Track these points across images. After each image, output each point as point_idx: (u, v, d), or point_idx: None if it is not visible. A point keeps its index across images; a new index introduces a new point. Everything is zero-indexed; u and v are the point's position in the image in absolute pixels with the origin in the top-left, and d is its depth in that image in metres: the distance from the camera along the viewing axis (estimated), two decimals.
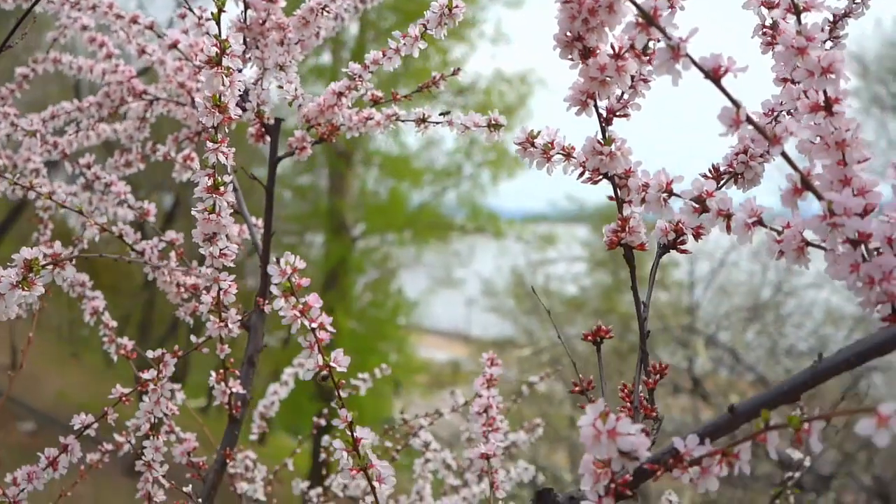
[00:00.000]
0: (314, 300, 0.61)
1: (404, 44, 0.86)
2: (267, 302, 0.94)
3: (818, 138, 0.53)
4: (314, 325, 0.60)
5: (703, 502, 5.98)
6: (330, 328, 0.61)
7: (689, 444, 0.51)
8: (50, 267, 0.65)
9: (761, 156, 0.66)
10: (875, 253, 0.51)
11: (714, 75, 0.49)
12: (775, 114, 0.67)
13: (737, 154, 0.66)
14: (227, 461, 0.96)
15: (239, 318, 0.88)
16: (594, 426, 0.49)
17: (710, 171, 0.67)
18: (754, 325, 6.35)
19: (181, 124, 1.16)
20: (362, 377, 1.37)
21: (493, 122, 0.82)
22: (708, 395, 5.84)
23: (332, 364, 0.61)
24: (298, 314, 0.60)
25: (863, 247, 0.51)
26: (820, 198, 0.50)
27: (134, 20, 1.07)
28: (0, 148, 1.23)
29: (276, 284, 0.59)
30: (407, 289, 11.97)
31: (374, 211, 11.63)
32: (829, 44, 0.70)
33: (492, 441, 0.91)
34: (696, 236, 0.65)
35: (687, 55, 0.49)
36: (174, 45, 1.04)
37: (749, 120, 0.49)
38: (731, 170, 0.67)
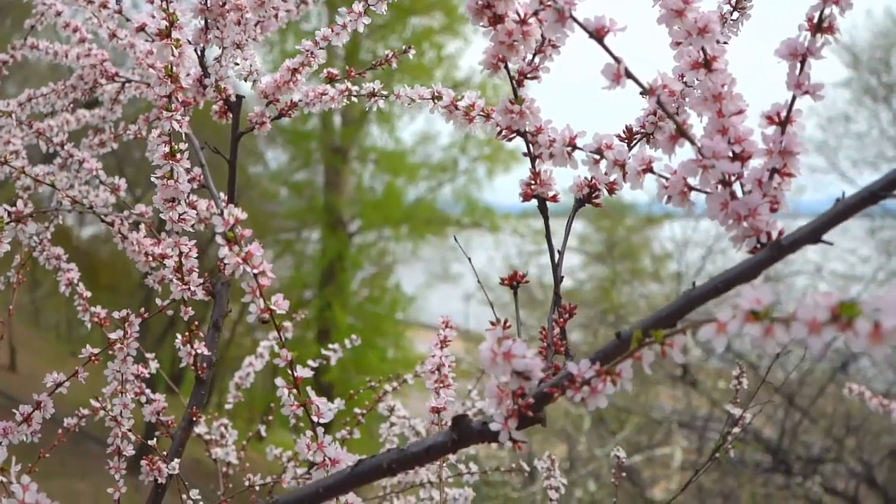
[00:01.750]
0: (256, 248, 0.66)
1: (350, 20, 0.92)
2: None
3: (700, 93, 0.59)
4: (256, 271, 0.66)
5: (692, 486, 6.05)
6: (270, 274, 0.67)
7: (581, 368, 0.56)
8: (13, 224, 0.71)
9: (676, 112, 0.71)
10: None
11: (598, 35, 0.55)
12: (684, 78, 0.73)
13: (647, 115, 0.72)
14: (194, 419, 1.02)
15: (200, 280, 0.94)
16: (492, 350, 0.54)
17: (623, 131, 0.73)
18: None
19: (152, 105, 1.22)
20: (333, 348, 1.43)
21: (436, 94, 0.88)
22: (696, 381, 5.91)
23: (272, 307, 0.67)
24: (241, 261, 0.66)
25: (738, 187, 0.57)
26: (693, 143, 0.56)
27: (103, 5, 1.12)
28: None
29: (219, 234, 0.65)
30: (404, 284, 12.03)
31: (371, 206, 11.70)
32: (735, 14, 0.76)
33: (442, 395, 0.97)
34: (610, 191, 0.71)
35: (571, 17, 0.54)
36: (142, 29, 1.10)
37: (628, 74, 0.55)
38: (643, 130, 0.72)
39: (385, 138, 12.17)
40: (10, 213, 0.69)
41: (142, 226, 1.07)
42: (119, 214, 1.06)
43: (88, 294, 1.14)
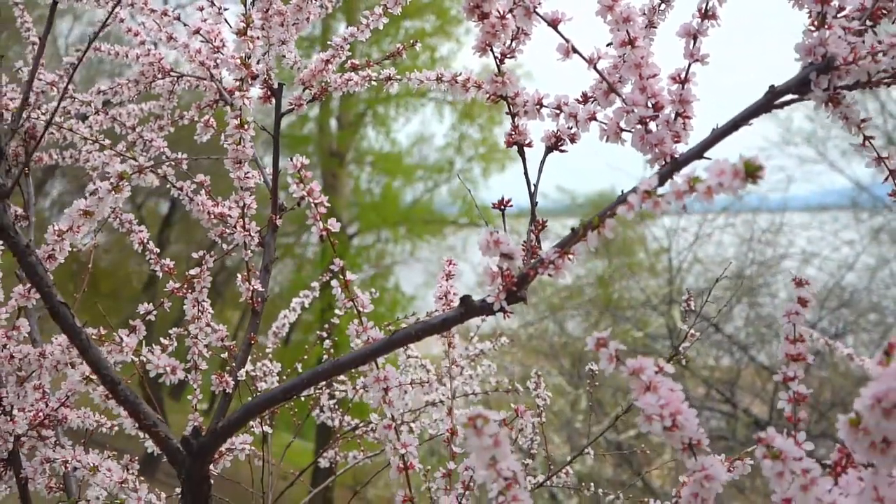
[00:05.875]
0: (316, 186, 0.92)
1: (372, 20, 1.18)
2: (278, 218, 1.25)
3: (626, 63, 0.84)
4: (316, 201, 0.91)
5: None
6: (326, 204, 0.92)
7: (548, 253, 0.82)
8: (136, 174, 0.96)
9: (618, 82, 0.97)
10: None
11: (553, 23, 0.81)
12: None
13: (595, 83, 0.97)
14: (252, 343, 1.27)
15: (258, 228, 1.19)
16: (486, 239, 0.80)
17: (580, 95, 0.98)
18: (731, 292, 6.69)
19: (202, 95, 1.47)
20: None
21: (439, 76, 1.13)
22: (688, 362, 6.17)
23: (329, 227, 0.92)
24: (306, 194, 0.91)
25: (654, 126, 0.83)
26: (619, 96, 0.81)
27: (164, 13, 1.38)
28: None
29: (290, 175, 0.90)
30: (403, 284, 12.26)
31: (368, 208, 11.94)
32: (663, 5, 1.02)
33: None
34: (572, 140, 0.96)
35: (535, 12, 0.80)
36: (197, 31, 1.35)
37: (574, 50, 0.80)
38: (594, 94, 0.98)
39: (381, 141, 12.43)
40: (133, 167, 0.94)
41: (202, 191, 1.32)
42: (184, 182, 1.32)
43: (157, 250, 1.39)
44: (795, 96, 0.75)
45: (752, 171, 0.58)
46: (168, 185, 1.34)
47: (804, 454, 0.62)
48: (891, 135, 9.05)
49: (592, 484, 1.66)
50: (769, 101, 0.75)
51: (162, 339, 1.43)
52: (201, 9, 1.37)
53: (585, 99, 0.97)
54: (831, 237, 7.90)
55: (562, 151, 0.98)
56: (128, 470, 1.03)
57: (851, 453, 0.72)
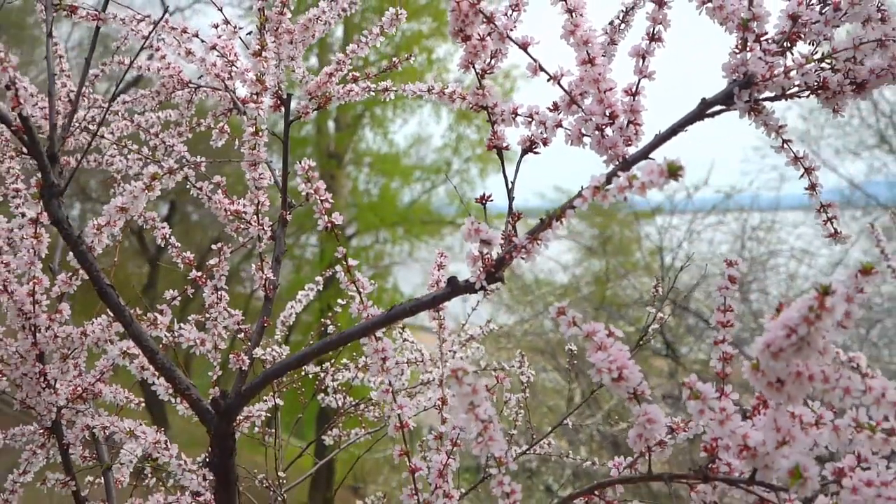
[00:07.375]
0: (321, 184, 1.07)
1: (371, 37, 1.33)
2: (288, 213, 1.40)
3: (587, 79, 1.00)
4: (322, 197, 1.06)
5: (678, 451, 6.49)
6: (330, 200, 1.07)
7: (521, 239, 0.96)
8: (167, 175, 1.11)
9: (581, 94, 1.12)
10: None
11: (523, 46, 0.96)
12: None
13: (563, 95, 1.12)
14: (265, 325, 1.42)
15: (271, 223, 1.34)
16: (468, 228, 0.95)
17: (552, 104, 1.13)
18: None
19: (217, 104, 1.62)
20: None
21: (430, 88, 1.28)
22: (679, 357, 6.33)
23: (333, 220, 1.07)
24: (313, 192, 1.06)
25: (608, 131, 0.98)
26: (580, 107, 0.96)
27: (184, 30, 1.53)
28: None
29: (298, 175, 1.05)
30: (402, 285, 12.40)
31: (367, 209, 12.08)
32: (623, 25, 1.17)
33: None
34: (544, 143, 1.11)
35: (508, 36, 0.95)
36: (213, 47, 1.50)
37: (541, 68, 0.95)
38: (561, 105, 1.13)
39: (379, 142, 12.57)
40: (162, 168, 1.09)
41: (219, 190, 1.47)
42: (202, 182, 1.47)
43: (178, 245, 1.54)
44: (723, 107, 0.90)
45: (673, 171, 0.73)
46: (173, 187, 1.49)
47: (722, 396, 0.77)
48: (883, 133, 9.22)
49: (569, 453, 1.80)
50: (701, 111, 0.90)
51: (182, 324, 1.58)
52: (216, 26, 1.52)
53: (556, 108, 1.13)
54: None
55: (535, 153, 1.13)
56: (159, 433, 1.17)
57: (767, 399, 0.87)
